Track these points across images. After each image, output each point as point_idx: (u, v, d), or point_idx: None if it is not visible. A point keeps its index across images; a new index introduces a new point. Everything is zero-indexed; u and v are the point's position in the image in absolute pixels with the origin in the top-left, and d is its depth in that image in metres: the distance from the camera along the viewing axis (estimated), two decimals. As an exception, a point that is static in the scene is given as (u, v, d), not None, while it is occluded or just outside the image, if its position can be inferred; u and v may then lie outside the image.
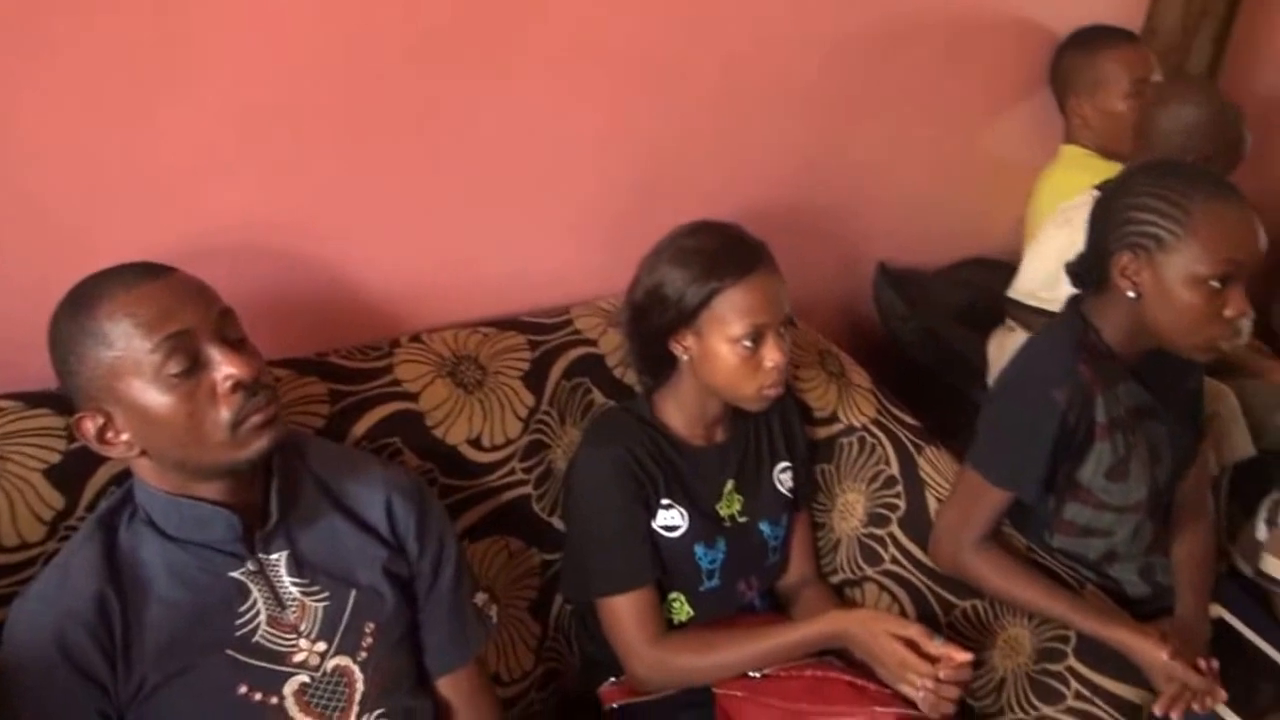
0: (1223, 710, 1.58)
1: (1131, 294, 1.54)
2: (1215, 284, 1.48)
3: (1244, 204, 1.51)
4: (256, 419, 1.16)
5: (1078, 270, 1.65)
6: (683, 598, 1.58)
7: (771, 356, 1.50)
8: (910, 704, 1.43)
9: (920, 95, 2.20)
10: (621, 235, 1.78)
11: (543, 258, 1.79)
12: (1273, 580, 1.89)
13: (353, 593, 1.28)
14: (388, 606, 1.31)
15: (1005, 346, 2.08)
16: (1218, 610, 1.76)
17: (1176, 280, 1.50)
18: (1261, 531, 1.93)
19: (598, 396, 1.71)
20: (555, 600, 1.67)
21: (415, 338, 1.62)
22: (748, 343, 1.49)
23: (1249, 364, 2.36)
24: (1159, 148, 2.03)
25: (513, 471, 1.62)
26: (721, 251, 1.50)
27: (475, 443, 1.59)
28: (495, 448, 1.60)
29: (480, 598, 1.47)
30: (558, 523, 1.65)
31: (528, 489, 1.63)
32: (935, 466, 1.77)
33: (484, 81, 1.61)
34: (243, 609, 1.21)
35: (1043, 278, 2.05)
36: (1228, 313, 1.50)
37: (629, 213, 1.82)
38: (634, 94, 1.78)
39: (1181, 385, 1.72)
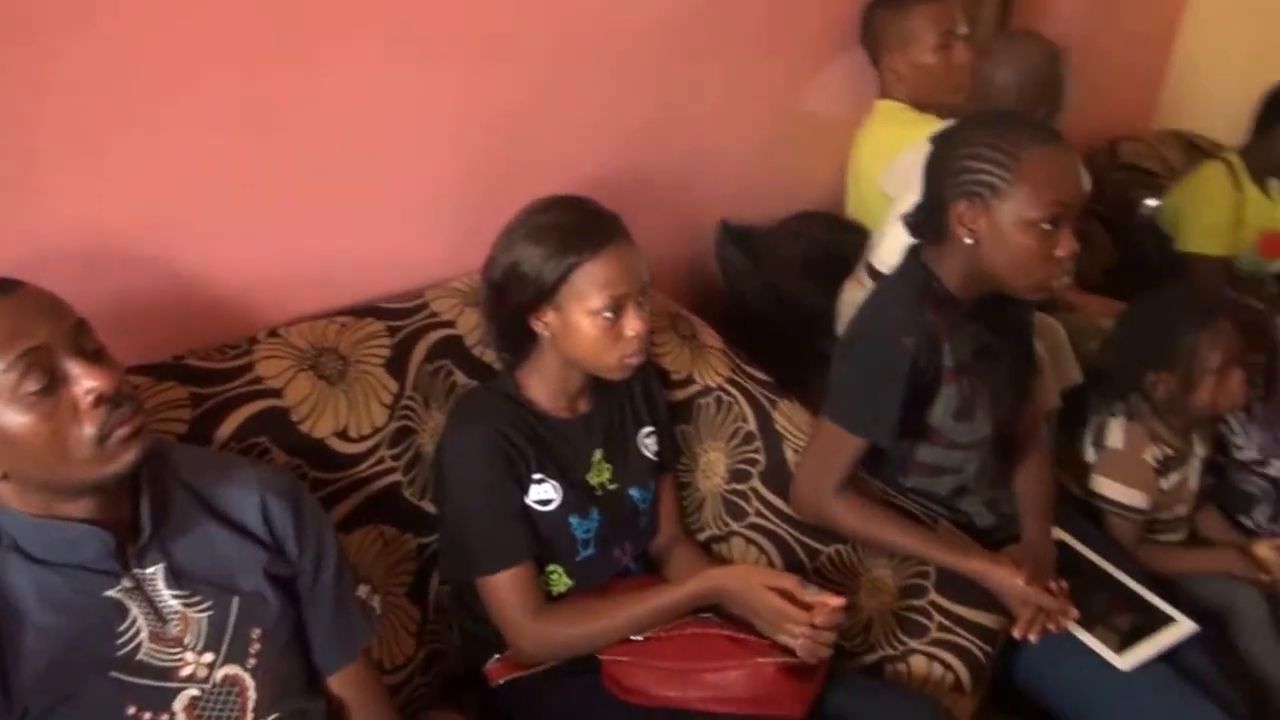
0: (1073, 627, 1.70)
1: (969, 240, 1.63)
2: (1046, 226, 1.58)
3: (1068, 149, 1.61)
4: (122, 431, 1.12)
5: (915, 221, 1.72)
6: (560, 569, 1.61)
7: (632, 326, 1.52)
8: (789, 652, 1.49)
9: (745, 58, 2.25)
10: (470, 213, 1.78)
11: (394, 241, 1.76)
12: (1103, 499, 2.03)
13: (235, 599, 1.26)
14: (272, 610, 1.29)
15: (855, 301, 2.16)
16: (1058, 533, 1.89)
17: (1011, 225, 1.59)
18: (1089, 454, 2.08)
19: (460, 378, 1.71)
20: (432, 583, 1.67)
21: (273, 333, 1.58)
22: (608, 314, 1.51)
23: (1064, 298, 2.52)
24: (995, 99, 2.14)
25: (381, 460, 1.60)
26: (576, 226, 1.52)
27: (343, 434, 1.57)
28: (363, 438, 1.59)
29: (363, 590, 1.46)
30: (429, 507, 1.64)
31: (398, 476, 1.62)
32: (790, 420, 1.84)
33: (320, 66, 1.57)
34: (122, 628, 1.18)
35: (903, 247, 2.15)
36: (1059, 253, 1.60)
37: (475, 190, 1.81)
38: (471, 70, 1.76)
39: (1015, 326, 1.83)
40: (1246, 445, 2.15)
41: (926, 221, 1.70)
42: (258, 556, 1.29)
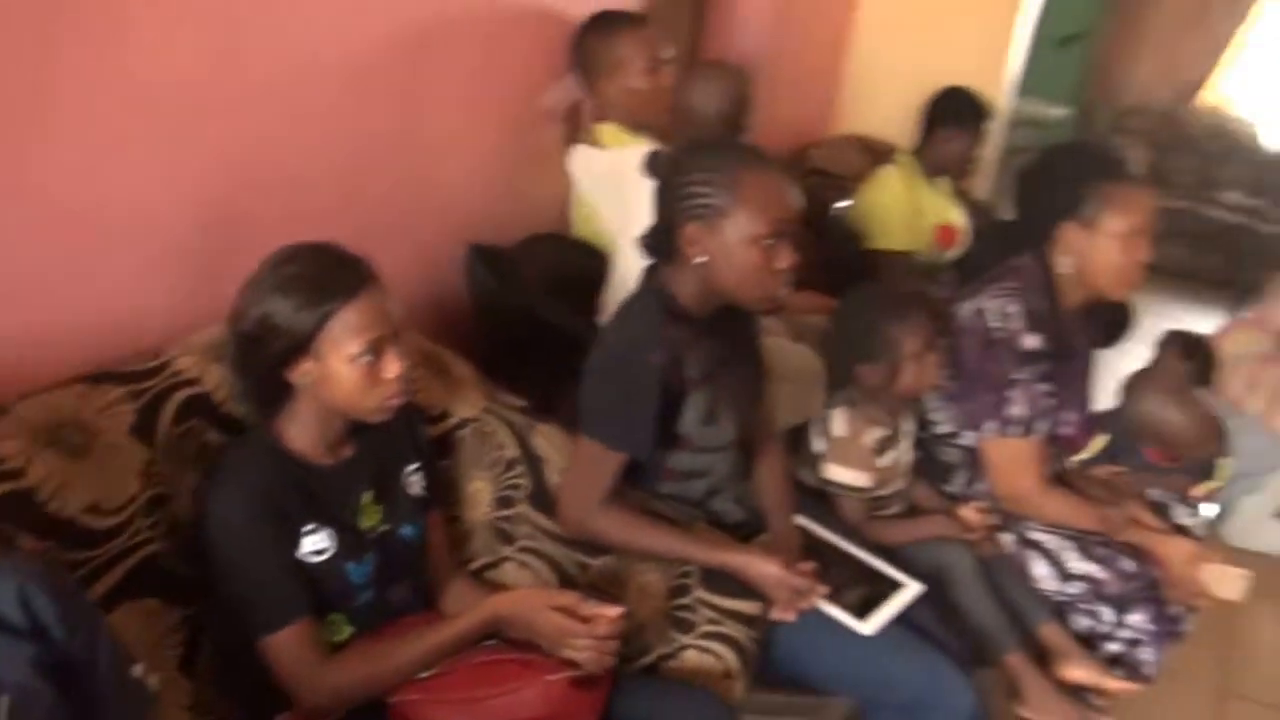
0: (822, 603, 1.85)
1: (700, 260, 1.75)
2: (768, 242, 1.73)
3: (780, 170, 1.77)
4: None
5: (649, 244, 1.83)
6: (340, 617, 1.60)
7: (392, 367, 1.54)
8: (575, 666, 1.55)
9: (469, 88, 2.30)
10: (203, 262, 1.74)
11: (125, 299, 1.69)
12: (834, 483, 2.21)
13: (4, 699, 1.19)
14: (45, 702, 1.22)
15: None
16: (798, 520, 2.05)
17: (736, 243, 1.73)
18: (819, 444, 2.26)
19: (213, 436, 1.66)
20: (203, 653, 1.61)
21: (4, 410, 1.49)
22: (367, 358, 1.52)
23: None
24: (695, 125, 2.29)
25: (138, 532, 1.54)
26: (326, 274, 1.52)
27: (94, 509, 1.49)
28: (115, 510, 1.51)
29: (137, 669, 1.40)
30: (192, 574, 1.59)
31: (156, 546, 1.56)
32: (550, 442, 1.91)
33: (31, 121, 1.49)
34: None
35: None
36: (780, 265, 1.75)
37: (208, 239, 1.77)
38: (195, 119, 1.72)
39: (745, 336, 1.97)
40: (942, 420, 2.38)
41: (659, 244, 1.81)
42: (23, 650, 1.22)
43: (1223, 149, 6.96)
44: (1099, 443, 2.54)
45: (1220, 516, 3.57)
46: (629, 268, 2.29)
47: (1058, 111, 6.86)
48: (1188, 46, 7.02)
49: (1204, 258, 6.52)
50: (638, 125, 2.55)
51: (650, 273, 1.85)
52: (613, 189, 2.48)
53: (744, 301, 1.81)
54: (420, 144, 2.21)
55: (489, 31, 2.30)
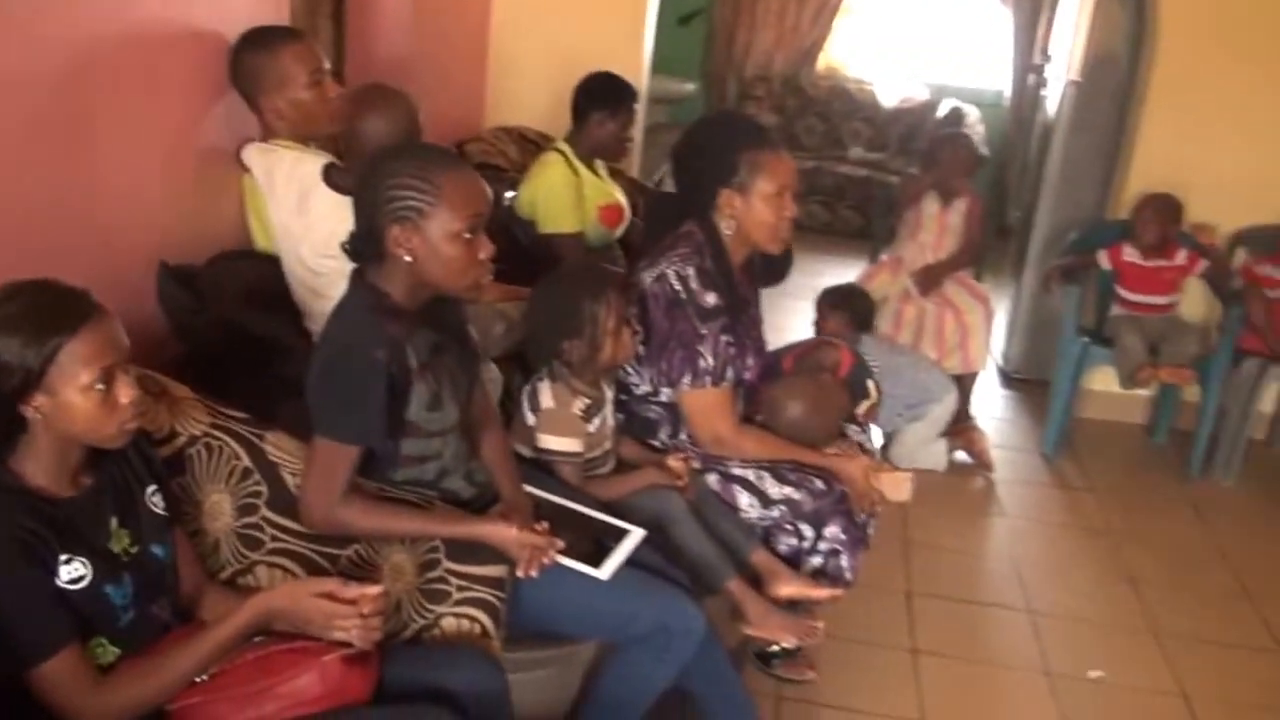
0: (560, 558, 2.03)
1: (407, 258, 1.87)
2: (468, 235, 1.88)
3: (471, 168, 1.92)
4: None
5: (354, 248, 1.94)
6: (104, 640, 1.62)
7: (125, 393, 1.58)
8: (347, 645, 1.66)
9: (135, 113, 2.27)
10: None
11: None
12: (548, 451, 2.39)
13: None
14: None
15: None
16: (526, 487, 2.22)
17: (440, 239, 1.87)
18: (529, 419, 2.43)
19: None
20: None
21: None
22: (100, 386, 1.55)
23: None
24: (370, 142, 2.42)
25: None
26: (50, 308, 1.53)
27: None
28: None
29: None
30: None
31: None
32: (280, 447, 1.97)
33: None
34: None
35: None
36: (482, 255, 1.91)
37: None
38: None
39: (455, 323, 2.11)
40: (641, 381, 2.61)
41: (365, 248, 1.92)
42: None
43: (844, 109, 7.70)
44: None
45: (888, 442, 4.06)
46: (314, 274, 2.38)
47: (687, 87, 7.34)
48: (799, 15, 7.68)
49: (839, 212, 7.20)
50: (306, 137, 2.60)
51: (359, 274, 1.96)
52: (292, 200, 2.52)
53: (453, 291, 1.97)
54: (91, 169, 2.17)
55: (147, 57, 2.28)
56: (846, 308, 3.97)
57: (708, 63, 7.85)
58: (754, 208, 2.47)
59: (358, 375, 1.87)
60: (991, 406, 4.79)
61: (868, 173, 7.09)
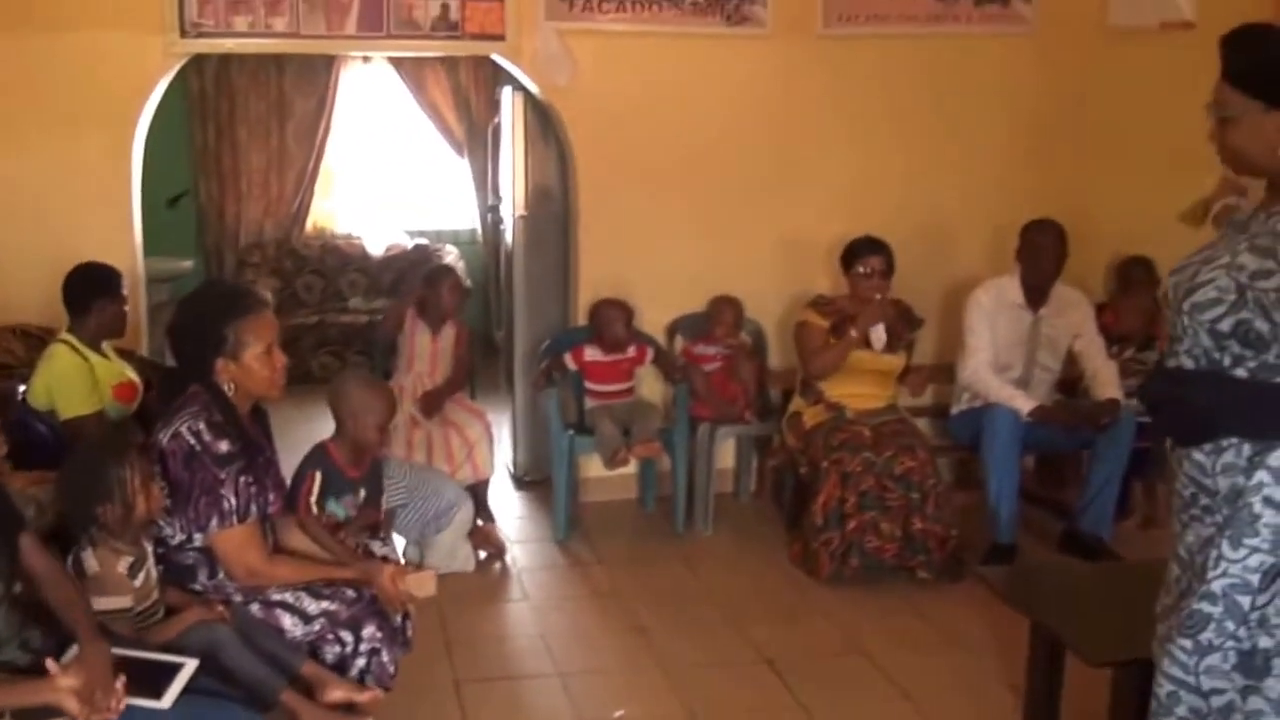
0: (127, 701, 2.25)
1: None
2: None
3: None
4: None
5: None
6: None
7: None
8: None
9: None
10: None
11: None
12: (104, 612, 2.57)
13: None
14: None
15: None
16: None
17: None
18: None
19: None
20: None
21: None
22: None
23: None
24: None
25: None
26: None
27: None
28: None
29: None
30: None
31: None
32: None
33: None
34: None
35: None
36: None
37: None
38: None
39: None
40: (174, 532, 2.82)
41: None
42: None
43: (337, 264, 8.20)
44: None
45: (423, 552, 4.49)
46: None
47: (185, 264, 7.53)
48: (282, 184, 8.13)
49: (348, 359, 7.54)
50: None
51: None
52: None
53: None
54: None
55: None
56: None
57: (202, 238, 8.06)
58: (248, 368, 2.83)
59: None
60: (509, 508, 5.36)
61: (369, 318, 7.54)
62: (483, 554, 4.75)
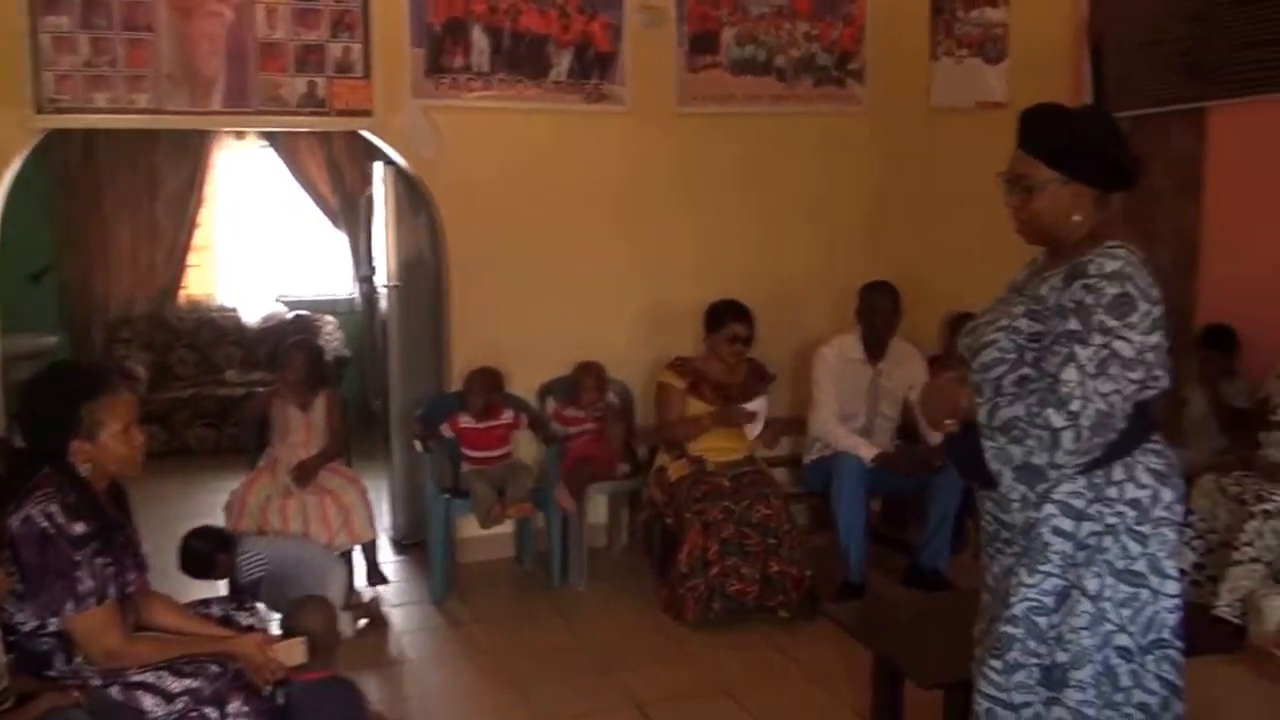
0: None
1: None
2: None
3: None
4: None
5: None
6: None
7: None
8: None
9: None
10: None
11: None
12: None
13: None
14: None
15: None
16: None
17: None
18: None
19: None
20: None
21: None
22: None
23: None
24: None
25: None
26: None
27: None
28: None
29: None
30: None
31: None
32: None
33: None
34: None
35: None
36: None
37: None
38: None
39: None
40: (26, 619, 2.80)
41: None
42: None
43: (212, 336, 8.17)
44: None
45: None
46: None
47: (50, 340, 7.42)
48: (153, 256, 8.09)
49: (225, 431, 7.49)
50: None
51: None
52: None
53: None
54: None
55: None
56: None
57: (68, 313, 7.95)
58: (105, 448, 2.84)
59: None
60: (389, 572, 5.39)
61: (245, 390, 7.52)
62: (362, 622, 4.79)
